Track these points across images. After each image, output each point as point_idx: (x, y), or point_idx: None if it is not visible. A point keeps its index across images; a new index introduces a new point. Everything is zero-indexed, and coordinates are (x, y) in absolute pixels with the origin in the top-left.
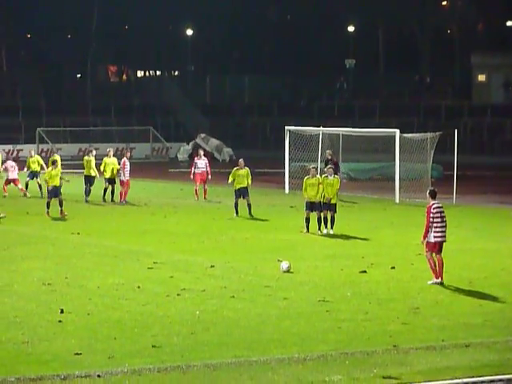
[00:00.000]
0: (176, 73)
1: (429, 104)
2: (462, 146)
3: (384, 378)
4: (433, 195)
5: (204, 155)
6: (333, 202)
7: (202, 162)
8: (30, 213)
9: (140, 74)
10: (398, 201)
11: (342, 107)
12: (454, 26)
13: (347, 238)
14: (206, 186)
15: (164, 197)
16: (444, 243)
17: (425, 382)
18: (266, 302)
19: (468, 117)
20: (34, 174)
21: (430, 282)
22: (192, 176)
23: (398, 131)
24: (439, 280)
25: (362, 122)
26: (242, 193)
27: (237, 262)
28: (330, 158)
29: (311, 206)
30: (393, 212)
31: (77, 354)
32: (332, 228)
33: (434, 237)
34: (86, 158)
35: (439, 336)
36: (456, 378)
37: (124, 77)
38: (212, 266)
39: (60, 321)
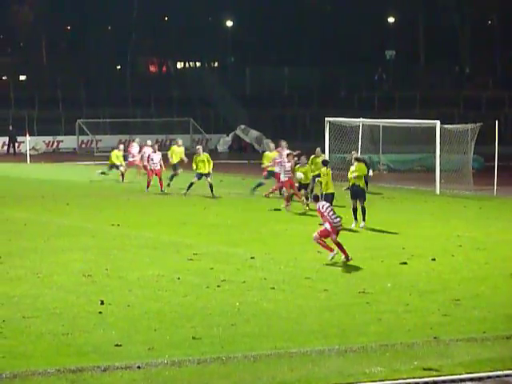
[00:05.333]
0: (216, 64)
1: (469, 95)
2: (502, 138)
3: (424, 369)
4: (315, 199)
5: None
6: (358, 183)
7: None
8: (71, 204)
9: (180, 65)
10: (438, 192)
11: (382, 98)
12: (495, 16)
13: (387, 229)
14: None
15: (204, 188)
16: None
17: (466, 373)
18: (306, 293)
19: (509, 108)
20: (116, 167)
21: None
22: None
23: (438, 122)
24: (334, 253)
25: (403, 113)
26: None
27: (277, 254)
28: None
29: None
30: (433, 203)
31: (117, 345)
32: (364, 220)
33: (334, 223)
34: (175, 148)
35: (480, 328)
36: (497, 370)
37: (164, 68)
38: (252, 258)
39: (100, 312)
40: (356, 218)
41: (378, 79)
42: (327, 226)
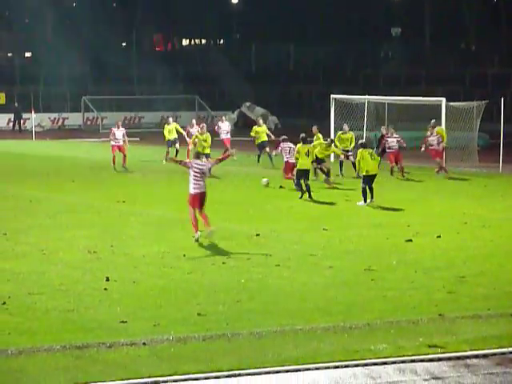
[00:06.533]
0: (221, 41)
1: (475, 72)
2: (508, 115)
3: (429, 346)
4: (196, 156)
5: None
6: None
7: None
8: (76, 181)
9: (185, 42)
10: None
11: (388, 76)
12: None
13: (393, 206)
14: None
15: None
16: (204, 197)
17: (470, 350)
18: (311, 270)
19: None
20: (172, 142)
21: (196, 236)
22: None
23: (444, 100)
24: (198, 235)
25: (408, 90)
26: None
27: (282, 231)
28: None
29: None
30: (439, 181)
31: (122, 321)
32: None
33: (194, 188)
34: (257, 128)
35: (485, 305)
36: (502, 347)
37: (169, 45)
38: (257, 235)
39: (105, 289)
40: (367, 198)
41: (384, 56)
42: (190, 186)
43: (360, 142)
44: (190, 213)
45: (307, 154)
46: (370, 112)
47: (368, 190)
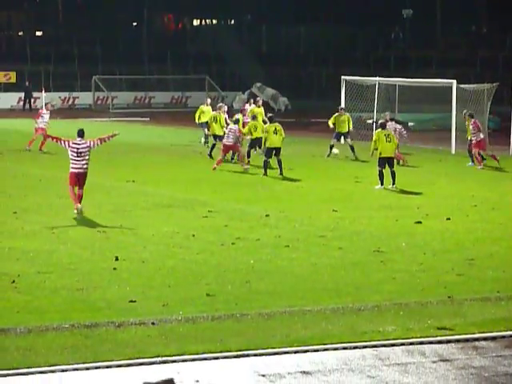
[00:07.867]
0: (232, 21)
1: (486, 55)
2: None
3: (438, 328)
4: (79, 134)
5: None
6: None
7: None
8: None
9: (196, 22)
10: (453, 152)
11: (399, 57)
12: None
13: (402, 188)
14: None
15: (219, 146)
16: (82, 176)
17: (479, 333)
18: (320, 251)
19: None
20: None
21: (78, 207)
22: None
23: (454, 82)
24: (79, 206)
25: (419, 72)
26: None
27: (291, 212)
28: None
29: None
30: (448, 163)
31: (131, 301)
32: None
33: (72, 168)
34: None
35: (494, 287)
36: (510, 330)
37: (180, 25)
38: (267, 215)
39: (115, 268)
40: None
41: (395, 38)
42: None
43: (380, 121)
44: (69, 189)
45: (275, 132)
46: (380, 94)
47: (390, 174)
